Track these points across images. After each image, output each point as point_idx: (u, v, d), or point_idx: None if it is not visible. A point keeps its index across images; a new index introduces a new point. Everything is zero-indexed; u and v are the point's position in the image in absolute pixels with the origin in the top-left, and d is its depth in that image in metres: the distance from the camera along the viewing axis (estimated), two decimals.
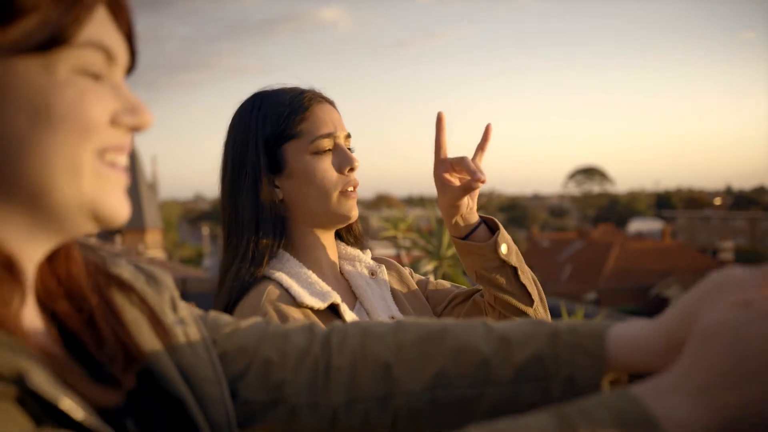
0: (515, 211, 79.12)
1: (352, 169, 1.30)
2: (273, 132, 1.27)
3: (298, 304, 1.21)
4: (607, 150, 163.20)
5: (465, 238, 1.32)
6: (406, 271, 1.49)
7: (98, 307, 0.63)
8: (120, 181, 0.59)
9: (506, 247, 1.29)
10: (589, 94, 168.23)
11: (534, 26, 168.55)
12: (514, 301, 1.32)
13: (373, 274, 1.39)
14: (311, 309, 1.22)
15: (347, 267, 1.39)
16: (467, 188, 1.27)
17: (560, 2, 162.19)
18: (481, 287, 1.39)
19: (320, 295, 1.24)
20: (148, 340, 0.66)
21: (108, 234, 27.14)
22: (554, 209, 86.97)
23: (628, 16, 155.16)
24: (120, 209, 0.59)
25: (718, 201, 78.09)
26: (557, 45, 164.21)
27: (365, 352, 0.72)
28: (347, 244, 1.42)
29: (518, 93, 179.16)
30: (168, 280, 0.74)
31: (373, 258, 1.45)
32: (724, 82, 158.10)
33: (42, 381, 0.50)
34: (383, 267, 1.41)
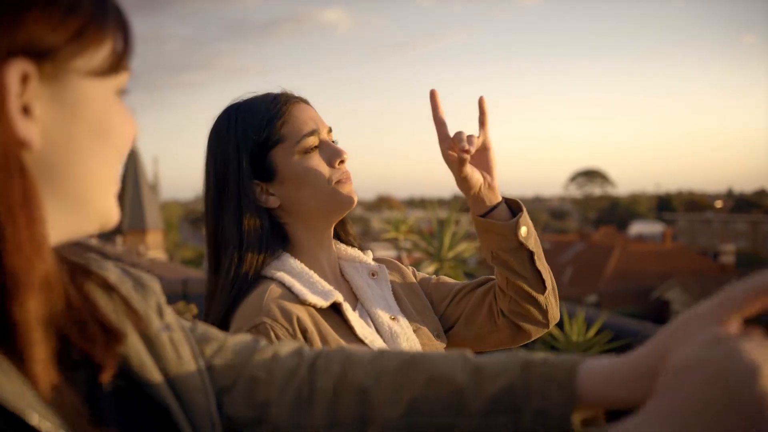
0: None
1: (342, 162, 1.31)
2: (256, 141, 1.27)
3: (301, 301, 1.22)
4: (608, 152, 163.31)
5: (485, 215, 1.32)
6: (409, 270, 1.49)
7: (76, 297, 0.63)
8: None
9: (526, 230, 1.29)
10: (590, 96, 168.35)
11: (534, 28, 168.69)
12: (525, 286, 1.31)
13: (374, 274, 1.39)
14: (314, 307, 1.23)
15: (348, 268, 1.39)
16: (461, 160, 1.26)
17: (561, 4, 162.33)
18: (490, 277, 1.40)
19: (322, 293, 1.24)
20: (132, 345, 0.65)
21: (109, 234, 27.15)
22: (555, 211, 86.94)
23: (628, 18, 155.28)
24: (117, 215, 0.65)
25: (719, 204, 78.05)
26: (558, 47, 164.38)
27: (347, 378, 0.72)
28: (346, 244, 1.42)
29: (519, 94, 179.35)
30: (155, 285, 0.73)
31: (374, 258, 1.45)
32: (725, 84, 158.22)
33: (7, 392, 0.50)
34: (384, 267, 1.41)
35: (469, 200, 1.33)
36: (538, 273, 1.32)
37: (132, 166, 29.36)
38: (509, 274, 1.31)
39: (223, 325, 1.23)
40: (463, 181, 1.29)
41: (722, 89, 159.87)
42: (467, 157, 1.25)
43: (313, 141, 1.29)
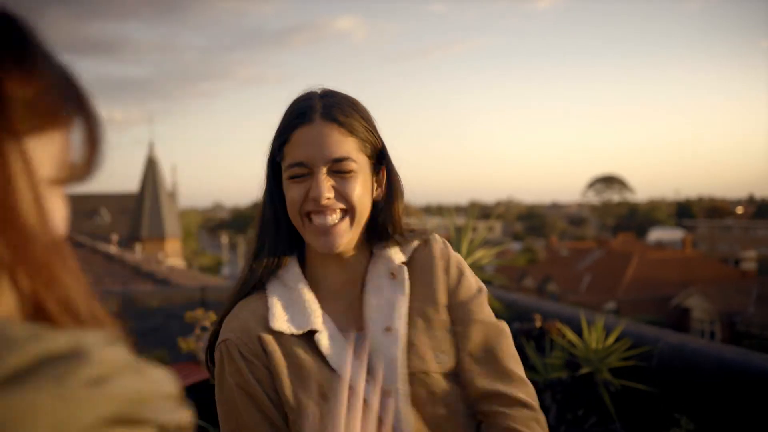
0: (534, 220, 78.67)
1: (316, 202, 1.21)
2: (271, 150, 1.29)
3: (270, 327, 1.22)
4: (626, 158, 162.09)
5: None
6: (452, 266, 1.35)
7: None
8: None
9: None
10: (608, 101, 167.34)
11: (551, 34, 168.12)
12: None
13: (393, 275, 1.30)
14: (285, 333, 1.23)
15: (372, 267, 1.33)
16: None
17: (578, 10, 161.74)
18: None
19: (299, 320, 1.23)
20: None
21: (128, 242, 27.35)
22: (573, 218, 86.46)
23: (646, 23, 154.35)
24: None
25: (740, 210, 77.18)
26: (575, 52, 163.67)
27: None
28: (382, 238, 1.33)
29: (536, 100, 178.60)
30: None
31: (423, 239, 1.37)
32: (745, 89, 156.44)
33: None
34: (404, 269, 1.30)
35: None
36: None
37: (151, 174, 29.58)
38: None
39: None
40: None
41: (742, 94, 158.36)
42: None
43: (295, 171, 1.22)
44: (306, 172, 1.22)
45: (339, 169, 1.22)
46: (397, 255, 1.32)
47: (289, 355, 1.21)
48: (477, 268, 4.49)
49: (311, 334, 1.23)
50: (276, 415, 1.19)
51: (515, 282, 33.32)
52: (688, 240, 43.07)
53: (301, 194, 1.22)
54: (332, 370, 1.21)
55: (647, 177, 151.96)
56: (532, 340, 3.77)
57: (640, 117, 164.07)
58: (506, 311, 4.37)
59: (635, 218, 73.77)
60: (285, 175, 1.24)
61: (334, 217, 1.23)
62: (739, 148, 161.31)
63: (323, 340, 1.23)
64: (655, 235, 58.67)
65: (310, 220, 1.23)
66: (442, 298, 1.31)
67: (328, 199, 1.21)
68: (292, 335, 1.23)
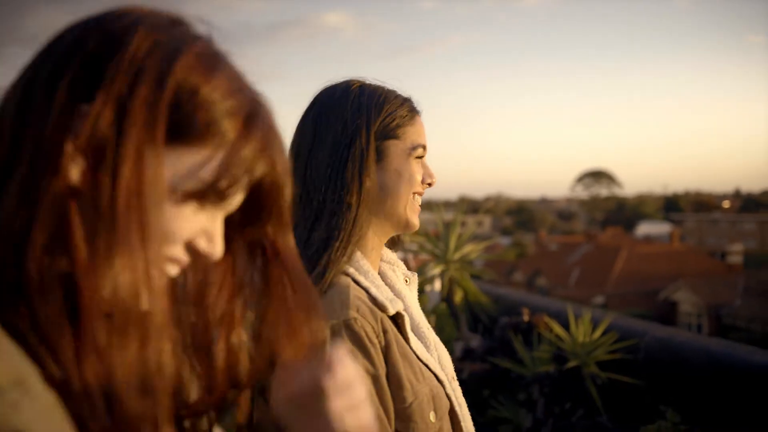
0: (523, 215, 78.91)
1: (430, 184, 1.34)
2: (382, 125, 1.27)
3: (379, 306, 1.19)
4: (615, 153, 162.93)
5: None
6: None
7: None
8: None
9: None
10: (596, 97, 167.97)
11: (540, 30, 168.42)
12: None
13: (407, 281, 1.38)
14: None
15: (388, 272, 1.36)
16: None
17: (566, 6, 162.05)
18: None
19: (389, 300, 1.22)
20: None
21: None
22: (562, 212, 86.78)
23: (634, 19, 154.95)
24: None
25: (726, 204, 77.81)
26: (564, 48, 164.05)
27: None
28: (389, 246, 1.40)
29: (525, 96, 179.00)
30: None
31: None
32: (732, 84, 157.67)
33: None
34: (416, 276, 1.40)
35: None
36: None
37: None
38: None
39: None
40: None
41: (728, 89, 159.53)
42: None
43: (420, 153, 1.31)
44: (422, 156, 1.33)
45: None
46: (401, 263, 1.40)
47: (396, 337, 1.19)
48: (465, 262, 4.50)
49: (394, 316, 1.22)
50: (392, 408, 1.14)
51: (504, 276, 33.40)
52: (676, 234, 43.37)
53: (421, 174, 1.32)
54: (413, 352, 1.21)
55: (635, 171, 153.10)
56: (520, 334, 3.80)
57: (627, 112, 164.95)
58: (494, 305, 4.39)
59: (623, 212, 74.12)
60: (412, 153, 1.30)
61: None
62: (725, 143, 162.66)
63: (407, 321, 1.23)
64: (643, 229, 58.93)
65: (414, 199, 1.32)
66: None
67: None
68: (388, 316, 1.20)
